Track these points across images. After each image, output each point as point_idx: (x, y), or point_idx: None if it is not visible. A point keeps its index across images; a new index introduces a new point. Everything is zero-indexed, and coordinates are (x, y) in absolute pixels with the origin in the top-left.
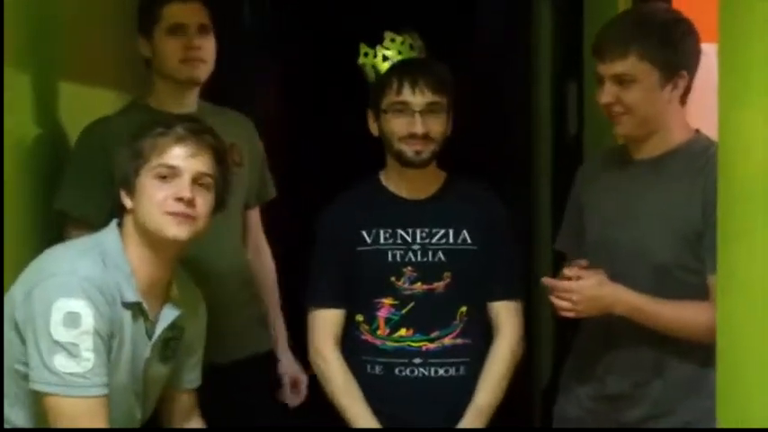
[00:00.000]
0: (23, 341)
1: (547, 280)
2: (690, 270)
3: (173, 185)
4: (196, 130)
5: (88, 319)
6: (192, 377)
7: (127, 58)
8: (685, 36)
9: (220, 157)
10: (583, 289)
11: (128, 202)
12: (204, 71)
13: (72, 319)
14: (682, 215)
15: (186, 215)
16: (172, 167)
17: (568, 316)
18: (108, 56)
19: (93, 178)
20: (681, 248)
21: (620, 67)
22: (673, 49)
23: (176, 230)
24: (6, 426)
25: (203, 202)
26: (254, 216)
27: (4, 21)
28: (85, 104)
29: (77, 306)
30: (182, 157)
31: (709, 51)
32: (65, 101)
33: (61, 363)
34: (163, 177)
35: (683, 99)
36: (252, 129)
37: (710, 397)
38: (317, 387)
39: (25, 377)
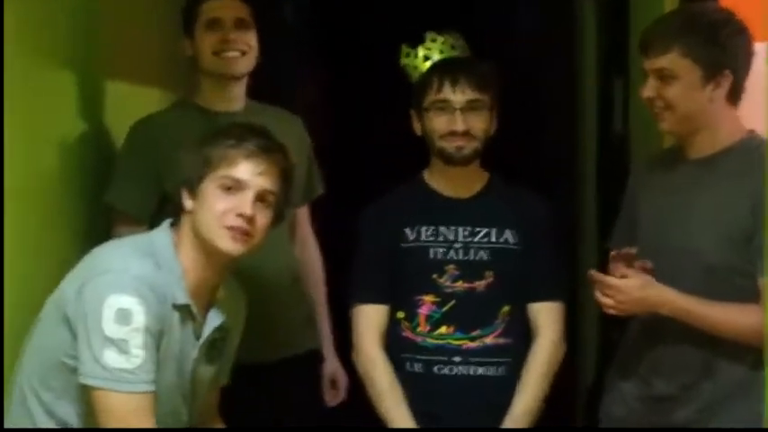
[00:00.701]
0: (74, 336)
1: (595, 274)
2: (740, 272)
3: (235, 199)
4: (267, 147)
5: (139, 316)
6: (223, 376)
7: (173, 57)
8: (733, 36)
9: (286, 176)
10: (628, 289)
11: (188, 204)
12: (242, 65)
13: (123, 316)
14: (732, 216)
15: (244, 231)
16: (237, 181)
17: (611, 313)
18: (153, 54)
19: (140, 174)
20: (731, 250)
21: (661, 62)
22: (719, 48)
23: (231, 245)
24: (53, 419)
25: (262, 220)
26: (303, 213)
27: (4, 18)
28: (131, 103)
29: (129, 303)
30: (249, 172)
31: (759, 51)
32: (111, 99)
33: (111, 358)
34: (227, 189)
35: (732, 99)
36: (300, 127)
37: (760, 400)
38: (358, 387)
39: (74, 371)
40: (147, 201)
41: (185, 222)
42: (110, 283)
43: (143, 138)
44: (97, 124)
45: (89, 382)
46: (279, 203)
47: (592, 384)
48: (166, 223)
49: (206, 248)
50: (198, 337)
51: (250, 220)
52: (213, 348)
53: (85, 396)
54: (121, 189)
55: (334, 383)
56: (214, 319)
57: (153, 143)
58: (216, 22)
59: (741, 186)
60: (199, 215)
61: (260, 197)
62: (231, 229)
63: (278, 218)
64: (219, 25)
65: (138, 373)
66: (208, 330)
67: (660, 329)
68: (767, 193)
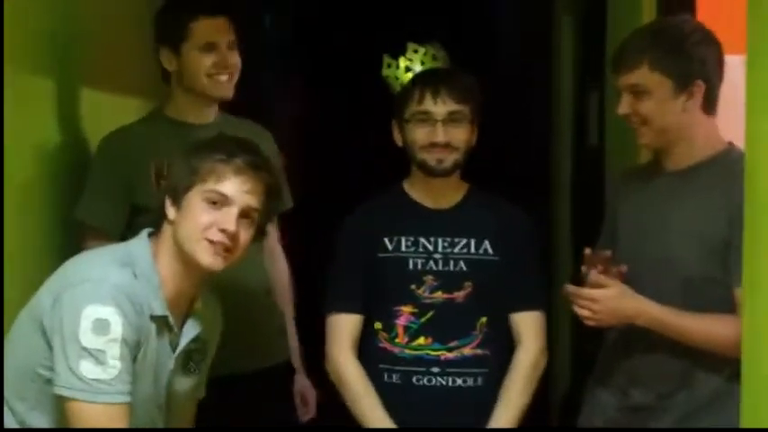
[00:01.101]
0: (50, 346)
1: (569, 287)
2: (718, 283)
3: (220, 214)
4: (256, 165)
5: (117, 326)
6: (200, 389)
7: (150, 67)
8: (700, 45)
9: (271, 192)
10: (605, 299)
11: (171, 213)
12: (232, 86)
13: (101, 326)
14: (709, 228)
15: (225, 247)
16: (224, 196)
17: (589, 324)
18: (132, 64)
19: (110, 188)
20: (708, 261)
21: (633, 77)
22: (686, 59)
23: (211, 260)
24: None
25: (245, 236)
26: (271, 226)
27: (4, 24)
28: (109, 111)
29: (107, 313)
30: (236, 189)
31: (735, 63)
32: (89, 107)
33: (88, 369)
34: (212, 203)
35: (708, 108)
36: (271, 141)
37: (736, 411)
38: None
39: (49, 381)
40: (119, 215)
41: (166, 232)
42: (88, 293)
43: (114, 151)
44: (74, 132)
45: (64, 393)
46: (261, 220)
47: (567, 394)
48: (145, 233)
49: (185, 260)
50: (174, 349)
51: (232, 236)
52: (189, 360)
53: (60, 407)
54: (92, 204)
55: (304, 399)
56: (191, 331)
57: (124, 156)
58: (212, 45)
59: (718, 198)
60: (181, 226)
61: (244, 213)
62: (212, 243)
63: (259, 233)
64: (215, 48)
65: (115, 384)
66: (184, 342)
67: (637, 340)
68: (745, 205)
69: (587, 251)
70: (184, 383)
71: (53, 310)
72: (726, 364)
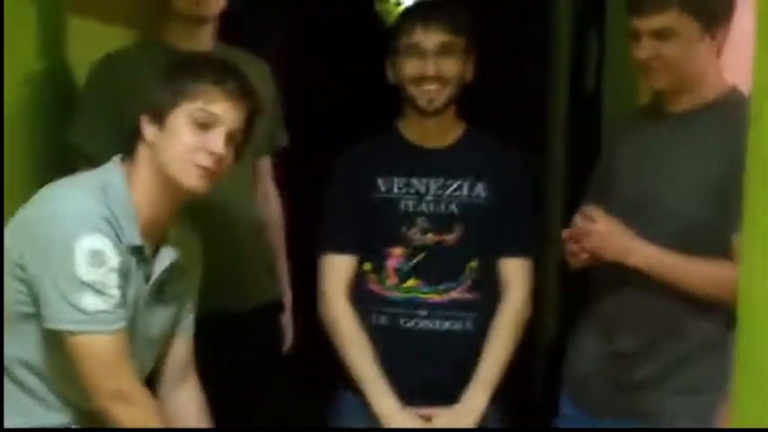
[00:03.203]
0: (25, 283)
1: (566, 232)
2: (714, 228)
3: (208, 136)
4: (245, 89)
5: (112, 255)
6: (187, 323)
7: None
8: None
9: (253, 119)
10: (599, 232)
11: (150, 133)
12: (212, 7)
13: (97, 257)
14: (709, 172)
15: (212, 171)
16: (214, 116)
17: (581, 259)
18: None
19: (103, 112)
20: (706, 205)
21: (660, 21)
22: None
23: (197, 183)
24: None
25: (228, 158)
26: (265, 164)
27: None
28: (92, 38)
29: (101, 243)
30: (226, 111)
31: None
32: (75, 35)
33: (89, 301)
34: (200, 124)
35: (720, 51)
36: (268, 74)
37: (723, 359)
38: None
39: (26, 316)
40: (109, 140)
41: (142, 153)
42: (77, 225)
43: (105, 75)
44: (60, 60)
45: (68, 327)
46: (242, 143)
47: (553, 340)
48: (116, 158)
49: (165, 183)
50: (147, 280)
51: (219, 158)
52: (163, 291)
53: (47, 342)
54: (85, 127)
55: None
56: (164, 260)
57: (115, 80)
58: None
59: (719, 142)
60: (165, 147)
61: (230, 136)
62: (200, 167)
63: (237, 158)
64: None
65: (115, 311)
66: (157, 271)
67: (624, 285)
68: (749, 149)
69: (565, 234)
70: (161, 316)
71: (34, 247)
72: (714, 312)
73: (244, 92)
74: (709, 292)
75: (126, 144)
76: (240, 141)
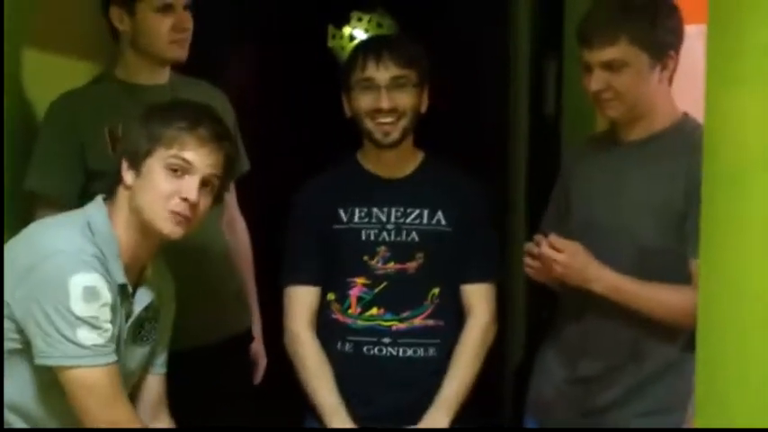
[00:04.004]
0: (14, 321)
1: (530, 246)
2: (673, 253)
3: (182, 183)
4: (219, 135)
5: (104, 291)
6: (160, 361)
7: (96, 27)
8: (670, 15)
9: (231, 162)
10: (566, 258)
11: (129, 178)
12: (187, 50)
13: (91, 293)
14: (666, 198)
15: (186, 217)
16: (187, 163)
17: (542, 277)
18: (76, 25)
19: (63, 155)
20: (664, 232)
21: (610, 53)
22: (661, 30)
23: (172, 229)
24: None
25: (204, 204)
26: (230, 193)
27: None
28: (53, 75)
29: (93, 280)
30: (199, 158)
31: (692, 33)
32: (32, 72)
33: (85, 336)
34: (174, 170)
35: (670, 80)
36: (225, 102)
37: (685, 382)
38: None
39: (15, 352)
40: (72, 182)
41: (121, 197)
42: (69, 263)
43: (64, 115)
44: (17, 96)
45: (63, 362)
46: (220, 187)
47: (520, 364)
48: (100, 198)
49: (142, 227)
50: (127, 318)
51: (193, 205)
52: (141, 329)
53: (39, 378)
54: (43, 172)
55: (253, 363)
56: (143, 299)
57: (75, 120)
58: (169, 6)
59: (675, 169)
60: (141, 193)
61: (205, 182)
62: (174, 214)
63: (217, 200)
64: (172, 10)
65: (109, 345)
66: (137, 309)
67: (588, 310)
68: (704, 176)
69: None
70: (137, 354)
71: (24, 285)
72: (676, 336)
73: (218, 136)
74: (668, 317)
75: (107, 185)
76: (218, 186)
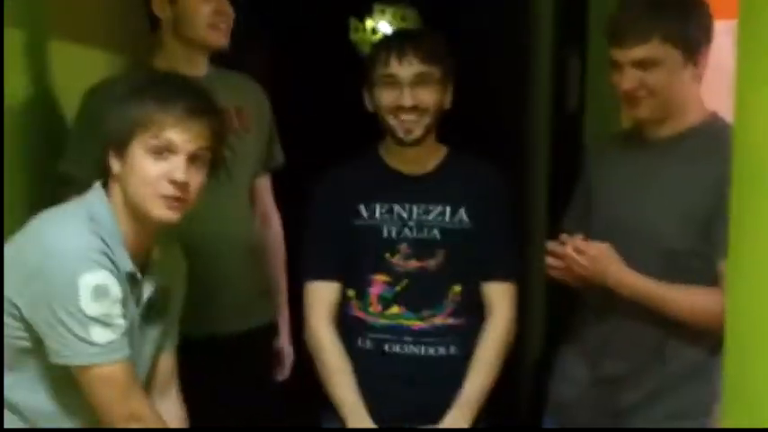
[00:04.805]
0: (22, 319)
1: (555, 245)
2: (699, 255)
3: (167, 164)
4: (197, 108)
5: (114, 287)
6: (172, 337)
7: (120, 17)
8: (701, 11)
9: (219, 131)
10: (592, 258)
11: (115, 166)
12: (229, 36)
13: (101, 292)
14: (693, 198)
15: (178, 198)
16: (169, 143)
17: (560, 278)
18: (99, 14)
19: (96, 143)
20: (691, 233)
21: (642, 51)
22: (694, 27)
23: (166, 213)
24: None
25: (197, 182)
26: (263, 183)
27: None
28: (78, 65)
29: (102, 277)
30: (179, 136)
31: (721, 29)
32: (58, 61)
33: (98, 334)
34: (158, 153)
35: (701, 77)
36: (261, 93)
37: (709, 385)
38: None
39: (24, 351)
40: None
41: (115, 188)
42: (77, 262)
43: (99, 106)
44: (44, 87)
45: (79, 361)
46: (214, 159)
47: (539, 361)
48: (99, 186)
49: (138, 215)
50: (138, 303)
51: (183, 185)
52: (151, 310)
53: (49, 375)
54: (78, 158)
55: (279, 359)
56: (151, 282)
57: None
58: None
59: (702, 169)
60: (129, 181)
61: (192, 157)
62: (164, 197)
63: (214, 172)
64: None
65: (123, 339)
66: (146, 294)
67: (612, 309)
68: (733, 177)
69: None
70: (150, 337)
71: (33, 285)
72: (701, 337)
73: (198, 110)
74: (695, 321)
75: (101, 176)
76: (212, 159)
